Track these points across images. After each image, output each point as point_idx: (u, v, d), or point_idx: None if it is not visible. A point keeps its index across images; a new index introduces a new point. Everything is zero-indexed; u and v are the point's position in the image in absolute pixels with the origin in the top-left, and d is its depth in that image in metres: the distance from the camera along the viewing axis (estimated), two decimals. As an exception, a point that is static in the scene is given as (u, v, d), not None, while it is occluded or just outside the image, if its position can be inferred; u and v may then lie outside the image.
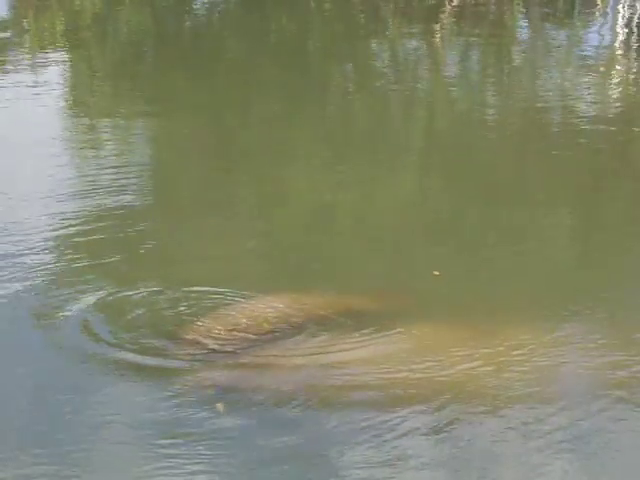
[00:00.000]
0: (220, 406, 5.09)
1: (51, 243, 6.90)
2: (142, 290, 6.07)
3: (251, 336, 5.65)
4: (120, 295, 6.02)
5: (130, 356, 5.37)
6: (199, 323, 5.70)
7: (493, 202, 7.78)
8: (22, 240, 6.84)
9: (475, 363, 5.40)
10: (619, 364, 5.48)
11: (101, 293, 6.03)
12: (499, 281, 6.45)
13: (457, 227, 7.33)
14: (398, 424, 4.84)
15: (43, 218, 7.26)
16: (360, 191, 8.02)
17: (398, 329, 5.69)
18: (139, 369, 5.30)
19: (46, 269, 6.45)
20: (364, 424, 4.85)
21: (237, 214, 7.50)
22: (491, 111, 10.23)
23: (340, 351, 5.48)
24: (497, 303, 6.14)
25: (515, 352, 5.56)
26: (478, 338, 5.70)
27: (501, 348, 5.58)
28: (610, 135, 9.52)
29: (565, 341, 5.72)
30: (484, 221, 7.48)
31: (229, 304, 5.91)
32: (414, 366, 5.36)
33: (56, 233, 7.03)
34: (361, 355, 5.47)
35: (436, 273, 6.40)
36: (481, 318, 5.88)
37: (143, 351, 5.43)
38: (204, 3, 15.53)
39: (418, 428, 4.82)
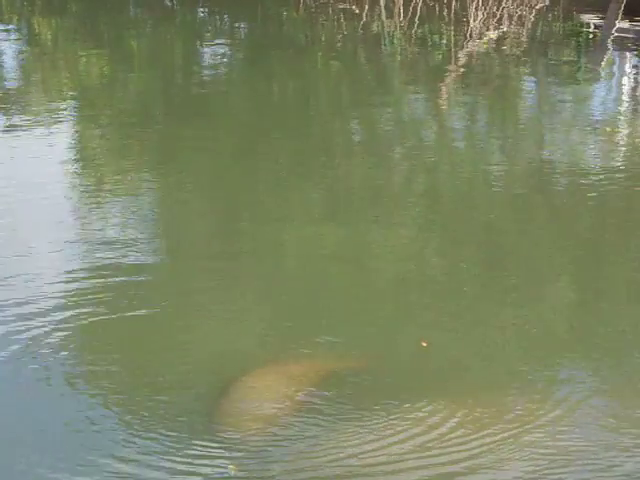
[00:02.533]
0: (232, 468, 5.14)
1: (51, 301, 6.93)
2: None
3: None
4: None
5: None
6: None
7: (494, 265, 7.76)
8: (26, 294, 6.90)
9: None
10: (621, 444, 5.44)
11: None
12: (492, 354, 6.41)
13: (455, 291, 7.30)
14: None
15: (45, 274, 7.30)
16: (358, 251, 8.04)
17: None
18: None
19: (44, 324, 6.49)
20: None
21: (238, 275, 7.53)
22: (494, 171, 10.19)
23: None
24: (487, 378, 6.10)
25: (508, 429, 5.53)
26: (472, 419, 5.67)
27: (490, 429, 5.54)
28: (615, 196, 9.49)
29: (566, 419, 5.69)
30: (483, 285, 7.44)
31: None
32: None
33: (58, 289, 7.06)
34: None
35: (424, 344, 6.36)
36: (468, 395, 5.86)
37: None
38: (211, 63, 15.58)
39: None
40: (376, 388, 5.96)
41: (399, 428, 5.54)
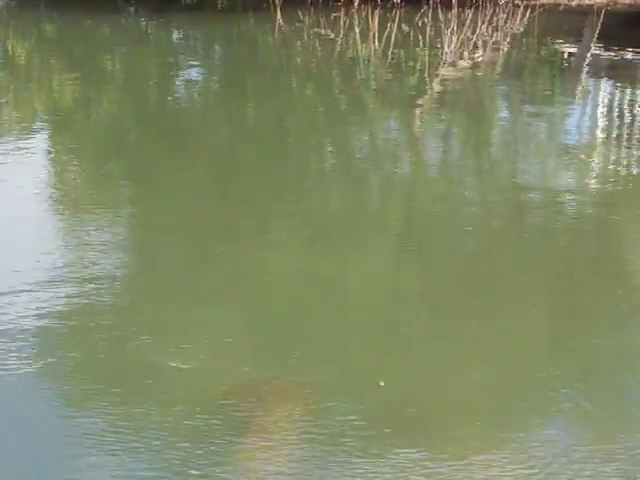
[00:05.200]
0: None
1: (22, 332, 6.83)
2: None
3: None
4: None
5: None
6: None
7: (469, 293, 7.73)
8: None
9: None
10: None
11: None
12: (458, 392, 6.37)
13: (431, 322, 7.26)
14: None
15: (17, 304, 7.21)
16: (333, 278, 7.99)
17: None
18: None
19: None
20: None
21: (214, 300, 7.48)
22: (469, 197, 10.19)
23: None
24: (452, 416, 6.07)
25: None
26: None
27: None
28: (590, 223, 9.50)
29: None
30: (457, 316, 7.40)
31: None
32: None
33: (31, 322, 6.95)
34: None
35: (381, 383, 6.33)
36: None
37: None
38: (186, 85, 15.54)
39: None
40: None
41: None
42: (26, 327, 6.91)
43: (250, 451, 5.61)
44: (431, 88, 15.07)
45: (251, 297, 7.63)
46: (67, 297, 7.43)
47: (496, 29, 19.55)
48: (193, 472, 5.43)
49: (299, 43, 18.65)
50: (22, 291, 7.45)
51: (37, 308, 7.19)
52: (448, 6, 20.85)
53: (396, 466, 5.53)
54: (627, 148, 12.09)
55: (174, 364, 6.46)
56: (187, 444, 5.65)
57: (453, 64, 16.88)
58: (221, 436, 5.72)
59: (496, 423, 6.03)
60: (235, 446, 5.66)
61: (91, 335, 6.86)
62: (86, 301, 7.36)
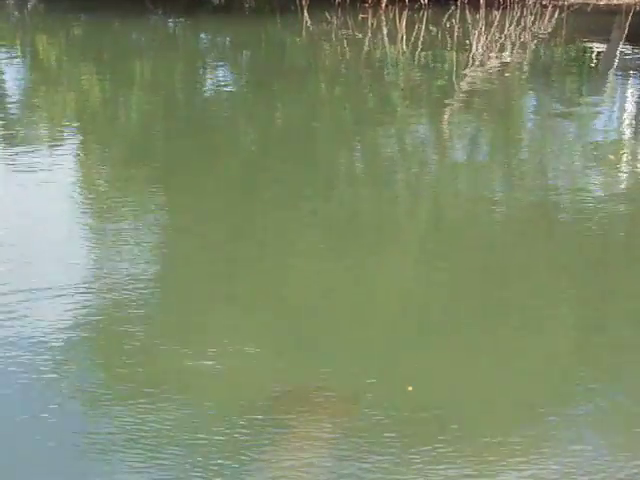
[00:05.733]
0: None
1: (50, 338, 6.87)
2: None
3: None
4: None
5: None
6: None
7: (494, 298, 7.71)
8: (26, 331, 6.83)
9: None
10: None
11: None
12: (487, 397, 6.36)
13: (454, 327, 7.25)
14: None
15: (42, 309, 7.25)
16: (358, 282, 7.99)
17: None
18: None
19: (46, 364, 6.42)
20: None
21: (240, 305, 7.49)
22: (497, 199, 10.16)
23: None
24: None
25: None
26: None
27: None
28: (619, 223, 9.45)
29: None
30: (481, 322, 7.39)
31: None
32: None
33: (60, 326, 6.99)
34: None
35: (410, 388, 6.32)
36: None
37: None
38: (213, 89, 15.58)
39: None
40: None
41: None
42: (53, 332, 6.95)
43: (283, 456, 5.63)
44: (459, 89, 15.04)
45: (278, 303, 7.64)
46: (93, 302, 7.47)
47: (524, 30, 19.49)
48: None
49: (327, 44, 18.65)
50: (49, 296, 7.48)
51: (63, 312, 7.23)
52: (476, 7, 20.81)
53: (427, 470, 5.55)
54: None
55: (205, 369, 6.49)
56: (220, 450, 5.69)
57: (481, 65, 16.84)
58: (256, 440, 5.75)
59: (523, 425, 6.02)
60: (268, 452, 5.69)
61: (124, 339, 6.91)
62: (113, 306, 7.39)
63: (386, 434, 5.82)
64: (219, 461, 5.59)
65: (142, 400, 6.15)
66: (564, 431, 5.93)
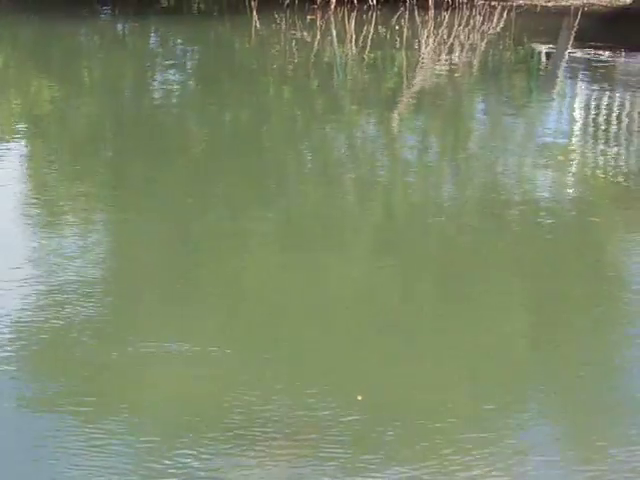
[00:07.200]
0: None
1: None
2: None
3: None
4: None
5: None
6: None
7: (446, 296, 7.72)
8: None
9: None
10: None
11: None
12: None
13: (406, 328, 7.23)
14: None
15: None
16: (310, 281, 7.96)
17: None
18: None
19: None
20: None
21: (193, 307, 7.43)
22: (447, 197, 10.20)
23: None
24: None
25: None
26: None
27: None
28: (567, 225, 9.51)
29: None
30: (435, 321, 7.38)
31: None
32: None
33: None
34: None
35: (359, 398, 6.27)
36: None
37: None
38: (162, 89, 15.49)
39: None
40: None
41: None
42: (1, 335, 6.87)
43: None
44: (408, 89, 15.06)
45: (229, 304, 7.60)
46: (37, 303, 7.37)
47: (473, 30, 19.56)
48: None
49: (276, 46, 18.60)
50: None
51: (3, 314, 7.14)
52: (425, 8, 20.84)
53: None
54: (604, 148, 12.11)
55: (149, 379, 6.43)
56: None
57: (430, 65, 16.87)
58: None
59: (482, 428, 6.01)
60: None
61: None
62: (62, 311, 7.28)
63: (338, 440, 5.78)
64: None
65: (82, 409, 6.05)
66: (518, 430, 5.93)
